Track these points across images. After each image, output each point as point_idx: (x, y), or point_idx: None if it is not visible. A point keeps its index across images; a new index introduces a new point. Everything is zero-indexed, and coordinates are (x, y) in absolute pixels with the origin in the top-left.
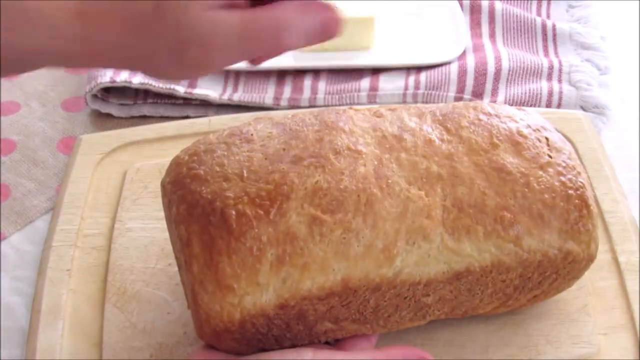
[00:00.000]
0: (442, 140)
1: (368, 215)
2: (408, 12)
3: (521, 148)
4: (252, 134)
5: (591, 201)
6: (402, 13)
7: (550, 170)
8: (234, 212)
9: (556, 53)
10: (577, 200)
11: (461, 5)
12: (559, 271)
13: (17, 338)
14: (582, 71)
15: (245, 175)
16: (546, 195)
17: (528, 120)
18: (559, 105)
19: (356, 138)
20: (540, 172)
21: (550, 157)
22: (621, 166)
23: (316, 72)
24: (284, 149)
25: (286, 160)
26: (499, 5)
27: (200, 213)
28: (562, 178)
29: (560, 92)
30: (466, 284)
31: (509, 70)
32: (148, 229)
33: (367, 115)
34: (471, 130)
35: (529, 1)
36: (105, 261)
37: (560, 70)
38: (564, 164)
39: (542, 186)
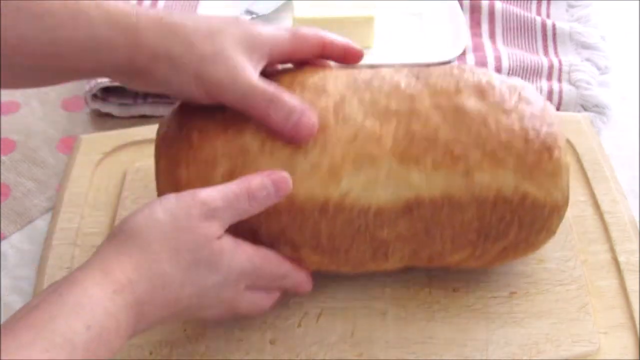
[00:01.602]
0: (408, 85)
1: (318, 138)
2: (408, 12)
3: (487, 95)
4: None
5: (556, 148)
6: (402, 13)
7: (513, 115)
8: (196, 131)
9: (556, 52)
10: (537, 144)
11: (461, 5)
12: (520, 217)
13: None
14: (582, 70)
15: (214, 110)
16: (502, 135)
17: (508, 80)
18: (559, 105)
19: (327, 79)
20: (502, 116)
21: (516, 106)
22: (621, 165)
23: None
24: None
25: None
26: (499, 5)
27: (170, 138)
28: (526, 122)
29: (560, 92)
30: (420, 220)
31: (509, 70)
32: None
33: (347, 69)
34: (440, 78)
35: (529, 1)
36: None
37: (560, 70)
38: (529, 114)
39: (500, 127)
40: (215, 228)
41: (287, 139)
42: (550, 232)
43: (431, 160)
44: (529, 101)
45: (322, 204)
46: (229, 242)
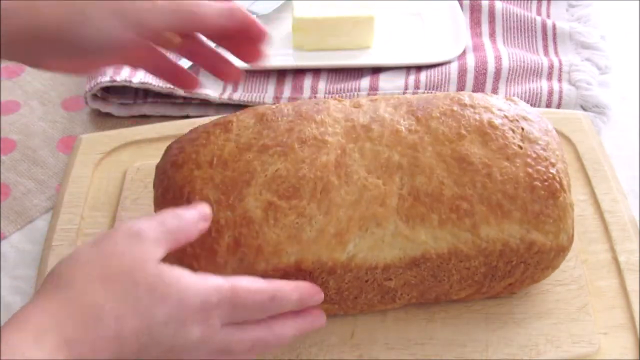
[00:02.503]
0: (409, 130)
1: (322, 202)
2: (408, 12)
3: (488, 139)
4: (232, 124)
5: (561, 192)
6: (402, 13)
7: (517, 161)
8: (197, 197)
9: (556, 52)
10: (542, 192)
11: (461, 5)
12: (526, 261)
13: None
14: (582, 70)
15: (214, 162)
16: (507, 186)
17: (509, 111)
18: (559, 105)
19: (325, 128)
20: (505, 163)
21: (520, 147)
22: (621, 165)
23: (316, 72)
24: (255, 139)
25: (254, 149)
26: (499, 5)
27: (171, 197)
28: (529, 169)
29: (560, 92)
30: (428, 270)
31: (509, 70)
32: None
33: (345, 106)
34: (441, 120)
35: (529, 0)
36: None
37: (560, 70)
38: (534, 155)
39: (505, 177)
40: (146, 248)
41: (233, 30)
42: (555, 268)
43: (437, 218)
44: (532, 137)
45: (330, 268)
46: (175, 268)
